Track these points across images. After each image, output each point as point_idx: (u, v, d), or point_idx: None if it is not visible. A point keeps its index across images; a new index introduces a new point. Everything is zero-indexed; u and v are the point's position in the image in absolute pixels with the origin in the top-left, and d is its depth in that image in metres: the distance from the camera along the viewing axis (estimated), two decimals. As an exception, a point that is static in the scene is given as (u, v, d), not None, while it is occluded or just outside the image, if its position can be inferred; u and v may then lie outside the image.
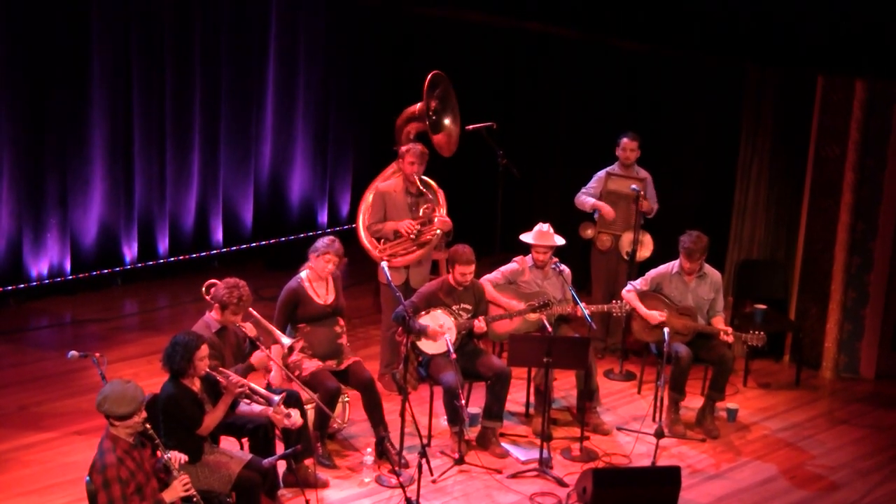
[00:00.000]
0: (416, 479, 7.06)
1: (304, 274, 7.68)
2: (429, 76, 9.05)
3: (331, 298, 7.69)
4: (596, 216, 9.40)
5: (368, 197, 8.96)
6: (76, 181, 9.98)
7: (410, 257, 8.53)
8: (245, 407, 6.78)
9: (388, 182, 8.71)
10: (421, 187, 8.48)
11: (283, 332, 7.57)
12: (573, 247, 9.14)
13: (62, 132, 9.78)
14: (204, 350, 6.43)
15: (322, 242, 7.64)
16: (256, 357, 7.05)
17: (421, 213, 8.52)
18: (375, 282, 8.99)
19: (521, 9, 8.28)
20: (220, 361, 6.79)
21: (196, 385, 6.50)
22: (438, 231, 8.52)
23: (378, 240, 8.58)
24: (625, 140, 9.25)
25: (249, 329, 7.11)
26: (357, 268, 10.57)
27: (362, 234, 8.74)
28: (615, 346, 9.52)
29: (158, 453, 6.03)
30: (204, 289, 7.29)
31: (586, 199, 9.39)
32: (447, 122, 9.23)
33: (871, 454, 8.23)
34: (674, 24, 7.52)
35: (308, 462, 7.20)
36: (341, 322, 7.75)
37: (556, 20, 8.39)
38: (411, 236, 8.46)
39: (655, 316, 8.28)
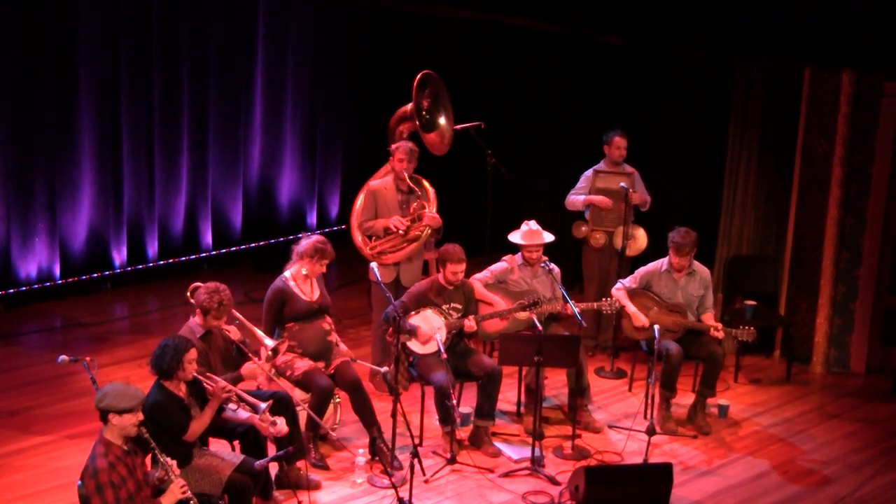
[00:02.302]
0: (408, 480, 7.05)
1: (288, 273, 7.67)
2: (418, 75, 9.04)
3: (316, 295, 7.68)
4: (587, 214, 9.39)
5: (360, 196, 8.96)
6: (65, 185, 9.95)
7: (399, 254, 8.52)
8: (231, 413, 6.76)
9: (379, 180, 8.71)
10: (411, 185, 8.49)
11: (272, 332, 7.56)
12: (563, 245, 9.14)
13: (50, 136, 9.75)
14: (193, 353, 6.41)
15: (314, 247, 7.59)
16: (247, 368, 7.03)
17: (411, 211, 8.53)
18: (368, 282, 8.99)
19: (508, 5, 8.29)
20: (207, 366, 6.76)
21: (182, 390, 6.48)
22: (428, 228, 8.52)
23: (369, 238, 8.59)
24: (617, 138, 9.23)
25: (234, 333, 7.10)
26: (349, 268, 10.57)
27: (355, 232, 8.74)
28: (606, 344, 9.53)
29: (149, 463, 6.00)
30: (189, 292, 7.27)
31: (576, 197, 9.38)
32: (442, 121, 9.17)
33: (862, 448, 8.24)
34: (661, 19, 7.53)
35: (300, 464, 7.19)
36: (329, 319, 7.74)
37: (542, 16, 8.39)
38: (400, 232, 8.47)
39: (641, 318, 8.28)
